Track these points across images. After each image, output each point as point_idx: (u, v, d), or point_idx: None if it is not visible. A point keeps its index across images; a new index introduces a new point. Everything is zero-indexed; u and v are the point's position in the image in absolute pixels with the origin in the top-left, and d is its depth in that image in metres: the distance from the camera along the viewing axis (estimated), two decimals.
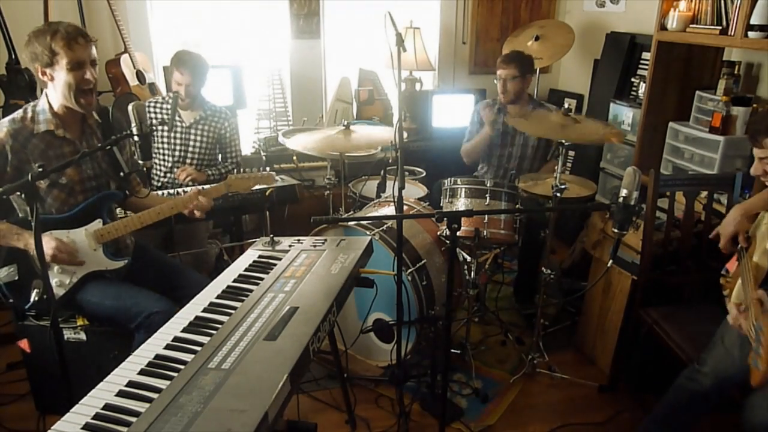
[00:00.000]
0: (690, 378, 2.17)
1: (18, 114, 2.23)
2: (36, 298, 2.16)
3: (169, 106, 3.33)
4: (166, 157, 3.36)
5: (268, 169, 2.73)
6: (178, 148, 3.34)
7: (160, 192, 3.05)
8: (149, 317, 2.18)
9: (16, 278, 2.22)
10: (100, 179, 2.38)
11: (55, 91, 2.20)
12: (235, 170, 3.43)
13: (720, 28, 2.96)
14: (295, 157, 4.14)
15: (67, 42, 2.10)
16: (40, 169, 1.71)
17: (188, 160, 3.36)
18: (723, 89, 3.09)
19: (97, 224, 2.30)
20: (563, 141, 2.68)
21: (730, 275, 2.20)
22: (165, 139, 3.34)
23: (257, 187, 2.66)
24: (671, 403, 2.27)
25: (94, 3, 3.91)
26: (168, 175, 3.38)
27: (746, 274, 1.96)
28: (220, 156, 3.50)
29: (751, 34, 2.75)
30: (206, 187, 2.53)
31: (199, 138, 3.35)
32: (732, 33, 2.88)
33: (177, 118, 3.30)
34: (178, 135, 3.33)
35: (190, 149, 3.35)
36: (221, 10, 4.32)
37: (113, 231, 2.30)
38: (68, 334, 2.32)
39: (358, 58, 4.68)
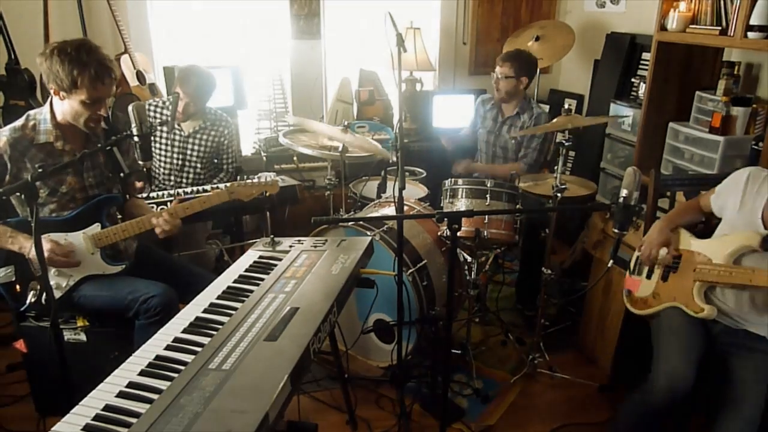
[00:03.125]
0: (642, 402, 2.12)
1: (19, 122, 2.21)
2: (33, 300, 2.16)
3: (168, 111, 3.31)
4: (164, 165, 3.35)
5: (273, 175, 2.72)
6: (176, 156, 3.32)
7: (161, 193, 3.05)
8: (146, 301, 2.19)
9: (13, 279, 2.22)
10: (102, 187, 2.37)
11: (62, 106, 2.19)
12: (238, 176, 3.45)
13: (720, 28, 2.96)
14: (295, 158, 4.15)
15: (92, 82, 2.08)
16: (40, 170, 1.71)
17: (186, 169, 3.36)
18: (723, 89, 3.09)
19: (96, 228, 2.29)
20: (563, 142, 2.68)
21: (636, 295, 2.33)
22: (163, 147, 3.32)
23: None
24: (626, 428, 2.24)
25: (95, 3, 3.91)
26: (165, 182, 3.38)
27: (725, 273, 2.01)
28: (216, 163, 3.49)
29: (750, 34, 2.74)
30: (210, 189, 2.52)
31: (197, 148, 3.34)
32: (732, 33, 2.88)
33: (176, 126, 3.29)
34: (176, 143, 3.31)
35: (188, 158, 3.34)
36: (222, 10, 4.33)
37: (111, 235, 2.29)
38: (68, 335, 2.32)
39: (358, 59, 4.68)
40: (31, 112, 2.25)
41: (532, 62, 3.49)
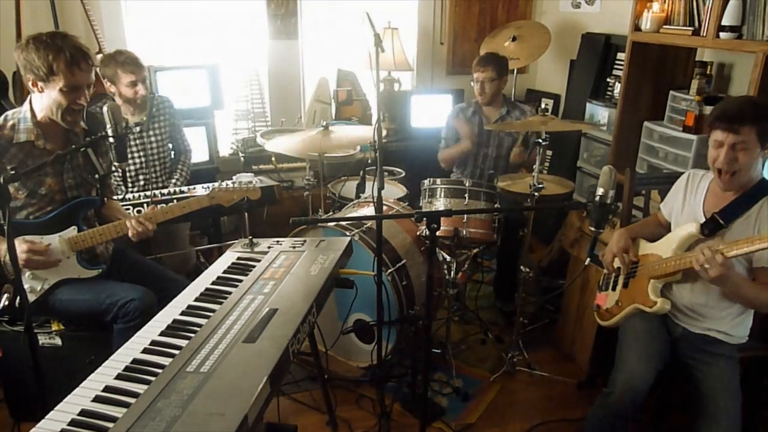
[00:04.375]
0: (603, 406, 2.16)
1: None
2: (6, 303, 2.12)
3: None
4: (130, 164, 3.29)
5: (251, 176, 2.69)
6: (137, 153, 3.25)
7: (137, 194, 3.01)
8: (125, 306, 2.16)
9: None
10: (81, 189, 2.34)
11: (41, 102, 2.15)
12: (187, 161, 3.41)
13: (692, 29, 3.01)
14: (273, 158, 4.12)
15: (68, 66, 2.04)
16: (12, 172, 1.67)
17: (152, 162, 3.31)
18: (696, 89, 3.14)
19: (72, 231, 2.26)
20: (540, 140, 2.71)
21: (603, 308, 2.40)
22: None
23: None
24: None
25: (68, 3, 3.84)
26: (136, 183, 3.33)
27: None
28: (172, 147, 3.43)
29: (722, 35, 2.80)
30: (187, 189, 2.49)
31: (154, 137, 3.29)
32: (704, 34, 2.93)
33: (127, 124, 3.22)
34: (134, 141, 3.23)
35: (150, 150, 3.28)
36: (198, 10, 4.28)
37: (88, 239, 2.26)
38: (43, 340, 2.29)
39: (336, 59, 4.67)
40: (8, 112, 2.21)
41: (506, 62, 3.53)
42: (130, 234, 2.28)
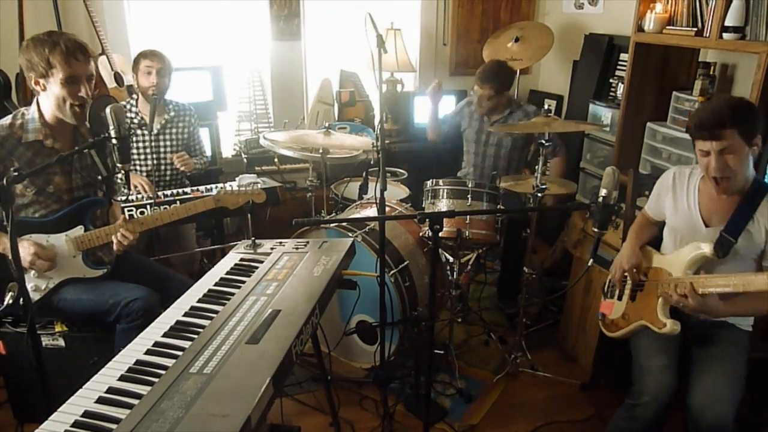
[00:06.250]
0: (630, 418, 2.12)
1: (6, 120, 2.19)
2: (10, 302, 2.12)
3: (134, 112, 3.26)
4: (141, 166, 3.31)
5: (254, 177, 2.69)
6: (150, 156, 3.28)
7: (139, 196, 3.01)
8: (128, 305, 2.17)
9: None
10: (88, 188, 2.35)
11: (47, 101, 2.17)
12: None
13: (695, 29, 3.01)
14: (276, 159, 4.12)
15: (65, 57, 2.07)
16: (15, 173, 1.68)
17: (162, 167, 3.32)
18: (699, 90, 3.13)
19: (79, 231, 2.27)
20: (543, 141, 2.71)
21: (609, 318, 2.37)
22: (135, 150, 3.27)
23: None
24: None
25: (70, 3, 3.85)
26: None
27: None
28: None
29: (725, 35, 2.79)
30: (190, 191, 2.50)
31: (169, 143, 3.31)
32: (707, 34, 2.93)
33: (143, 128, 3.25)
34: (147, 143, 3.26)
35: (162, 155, 3.30)
36: (200, 11, 4.29)
37: (94, 239, 2.27)
38: (46, 341, 2.29)
39: (339, 60, 4.67)
40: (20, 110, 2.23)
41: (511, 74, 3.49)
42: (114, 247, 2.28)
